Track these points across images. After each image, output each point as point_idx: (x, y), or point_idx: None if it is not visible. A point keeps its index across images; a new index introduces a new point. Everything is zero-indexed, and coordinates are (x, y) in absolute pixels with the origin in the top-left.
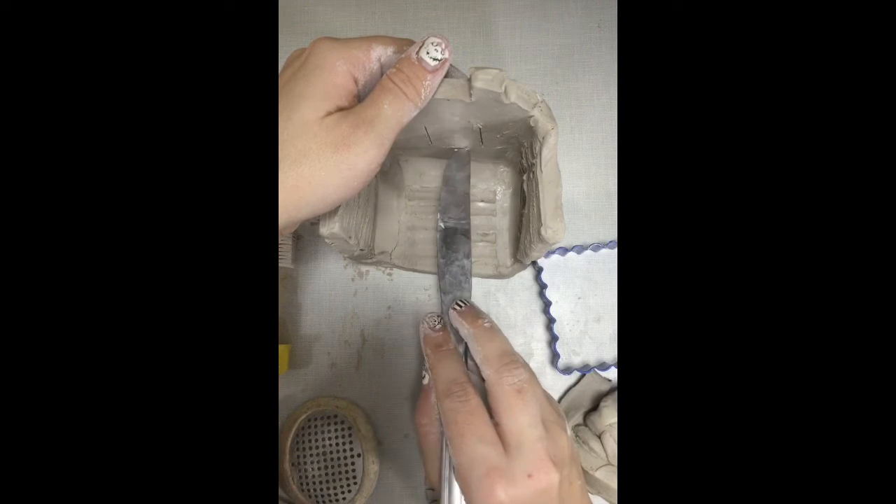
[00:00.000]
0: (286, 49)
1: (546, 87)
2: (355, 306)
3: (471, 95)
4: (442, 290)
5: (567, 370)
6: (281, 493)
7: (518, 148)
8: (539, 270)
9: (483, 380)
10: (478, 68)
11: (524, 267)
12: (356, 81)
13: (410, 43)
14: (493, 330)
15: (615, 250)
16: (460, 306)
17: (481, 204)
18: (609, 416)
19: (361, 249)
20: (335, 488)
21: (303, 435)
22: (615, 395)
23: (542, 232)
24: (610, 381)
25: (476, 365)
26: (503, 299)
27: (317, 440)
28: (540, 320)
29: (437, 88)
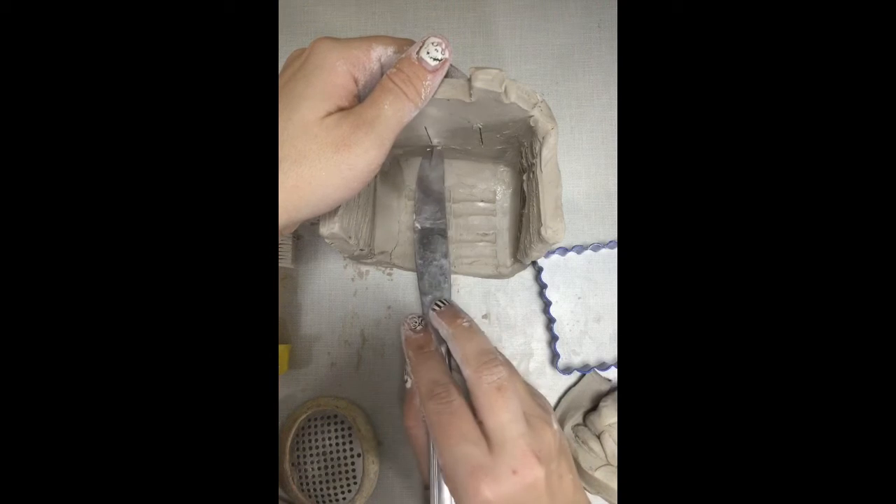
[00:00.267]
0: (286, 49)
1: (546, 87)
2: (355, 306)
3: (471, 95)
4: (421, 291)
5: (567, 370)
6: (281, 493)
7: (518, 148)
8: (539, 270)
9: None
10: (478, 68)
11: (524, 267)
12: (356, 81)
13: (410, 43)
14: (472, 329)
15: (615, 250)
16: (439, 306)
17: (481, 204)
18: (609, 416)
19: (361, 249)
20: (335, 488)
21: (303, 435)
22: (615, 395)
23: (542, 232)
24: (610, 381)
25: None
26: (503, 299)
27: (317, 440)
28: (540, 320)
29: (437, 88)
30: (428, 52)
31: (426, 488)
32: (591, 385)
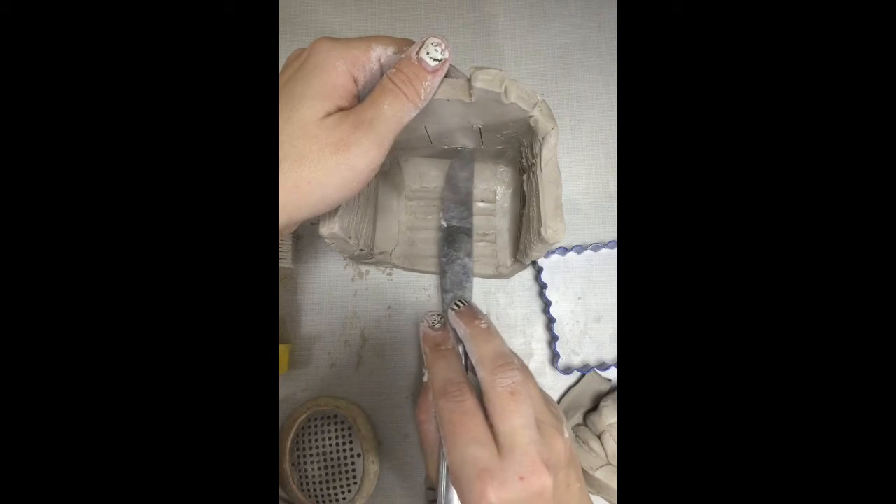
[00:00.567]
0: (286, 49)
1: (546, 87)
2: (355, 306)
3: (471, 95)
4: (443, 289)
5: (567, 370)
6: (281, 493)
7: (518, 148)
8: (539, 270)
9: None
10: (478, 68)
11: (524, 267)
12: (356, 81)
13: (410, 43)
14: (489, 331)
15: (615, 250)
16: (458, 306)
17: (481, 204)
18: (609, 416)
19: (361, 249)
20: (335, 488)
21: (303, 435)
22: (615, 395)
23: (542, 232)
24: (610, 381)
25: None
26: (503, 299)
27: (317, 440)
28: (540, 320)
29: (437, 89)
30: (428, 53)
31: (429, 487)
32: (592, 385)
